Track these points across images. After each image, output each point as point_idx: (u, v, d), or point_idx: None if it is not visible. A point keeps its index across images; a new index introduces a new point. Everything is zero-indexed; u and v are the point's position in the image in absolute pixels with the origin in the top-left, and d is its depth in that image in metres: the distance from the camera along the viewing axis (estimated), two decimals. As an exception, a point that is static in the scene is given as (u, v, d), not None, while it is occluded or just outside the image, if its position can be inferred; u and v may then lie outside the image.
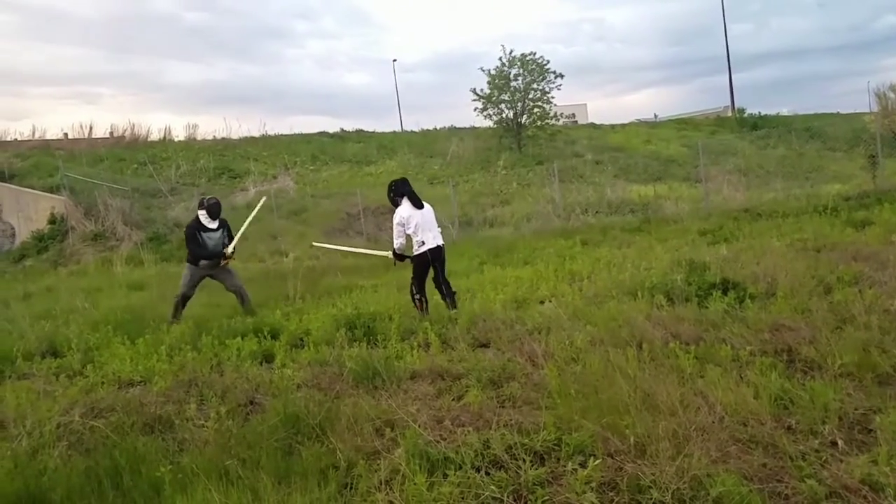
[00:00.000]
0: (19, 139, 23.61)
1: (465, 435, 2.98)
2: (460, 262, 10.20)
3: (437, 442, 2.95)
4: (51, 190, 17.99)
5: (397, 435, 3.11)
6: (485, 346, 4.90)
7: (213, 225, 7.45)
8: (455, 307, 6.09)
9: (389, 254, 6.51)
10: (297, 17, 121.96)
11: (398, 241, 6.24)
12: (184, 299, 7.48)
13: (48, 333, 6.47)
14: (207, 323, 6.44)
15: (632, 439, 2.74)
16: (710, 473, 2.46)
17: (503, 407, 3.43)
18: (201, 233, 7.38)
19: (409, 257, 6.31)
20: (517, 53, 25.72)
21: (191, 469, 2.98)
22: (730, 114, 38.47)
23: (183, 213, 18.27)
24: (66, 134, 25.11)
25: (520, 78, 25.70)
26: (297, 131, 30.27)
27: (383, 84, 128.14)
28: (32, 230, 17.18)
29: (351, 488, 2.76)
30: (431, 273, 6.29)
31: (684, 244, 9.56)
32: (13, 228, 17.88)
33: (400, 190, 6.31)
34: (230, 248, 7.46)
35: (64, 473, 3.08)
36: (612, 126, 35.18)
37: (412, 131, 34.31)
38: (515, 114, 26.13)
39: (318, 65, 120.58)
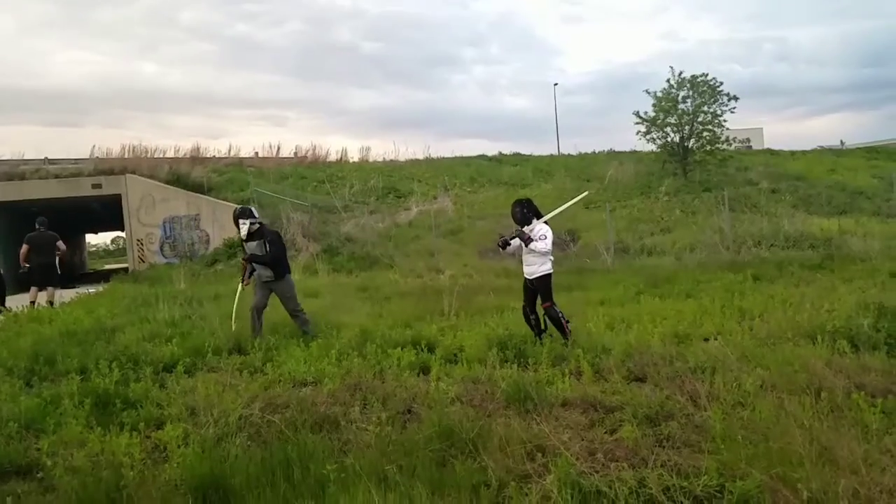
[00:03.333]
0: (217, 156, 26.23)
1: (620, 470, 2.92)
2: (615, 291, 9.90)
3: (590, 474, 2.92)
4: (242, 203, 20.27)
5: (549, 461, 3.12)
6: (640, 380, 4.74)
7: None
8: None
9: (526, 234, 6.18)
10: (467, 44, 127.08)
11: (550, 246, 6.16)
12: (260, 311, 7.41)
13: (235, 332, 7.23)
14: (372, 332, 6.82)
15: (805, 494, 2.52)
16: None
17: (661, 446, 3.30)
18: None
19: (525, 237, 6.15)
20: (687, 74, 24.51)
21: (353, 470, 3.18)
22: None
23: (354, 229, 19.66)
24: (256, 153, 27.85)
25: (689, 100, 24.42)
26: (457, 154, 31.29)
27: (543, 107, 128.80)
28: (224, 238, 19.42)
29: (501, 509, 2.81)
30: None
31: (873, 286, 8.53)
32: (208, 235, 20.36)
33: (533, 208, 6.37)
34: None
35: (244, 462, 3.39)
36: (792, 152, 32.15)
37: (569, 155, 33.98)
38: (682, 137, 24.79)
39: (481, 89, 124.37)
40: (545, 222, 6.31)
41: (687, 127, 24.40)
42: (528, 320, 6.37)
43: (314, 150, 28.88)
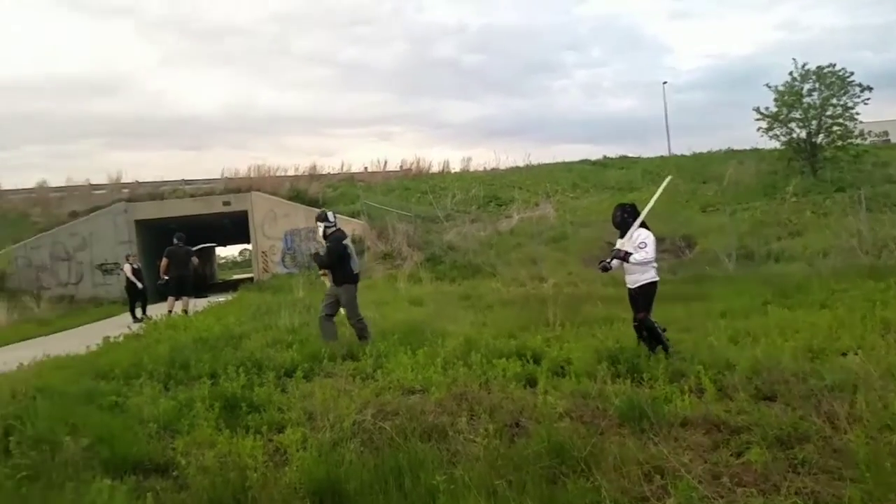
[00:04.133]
0: (331, 173, 27.81)
1: (748, 497, 2.70)
2: (738, 301, 9.24)
3: (714, 499, 2.72)
4: (352, 215, 21.11)
5: (668, 483, 2.94)
6: (770, 399, 4.37)
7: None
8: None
9: (622, 251, 5.96)
10: (566, 48, 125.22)
11: (652, 257, 5.88)
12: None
13: (346, 339, 7.48)
14: (476, 341, 6.80)
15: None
16: None
17: (794, 472, 3.02)
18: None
19: (622, 254, 5.91)
20: (811, 66, 22.63)
21: (462, 481, 3.16)
22: None
23: (456, 238, 19.87)
24: (365, 167, 29.05)
25: (815, 93, 22.51)
26: (559, 160, 30.89)
27: (651, 107, 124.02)
28: (336, 248, 20.35)
29: (618, 531, 2.69)
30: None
31: None
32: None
33: (635, 214, 6.10)
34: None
35: (357, 468, 3.48)
36: (942, 145, 28.80)
37: (682, 155, 32.39)
38: (809, 133, 22.87)
39: (583, 93, 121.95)
40: (646, 227, 6.03)
41: (814, 122, 22.51)
42: (639, 333, 6.10)
43: (418, 162, 29.62)
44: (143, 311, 14.28)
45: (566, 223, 21.01)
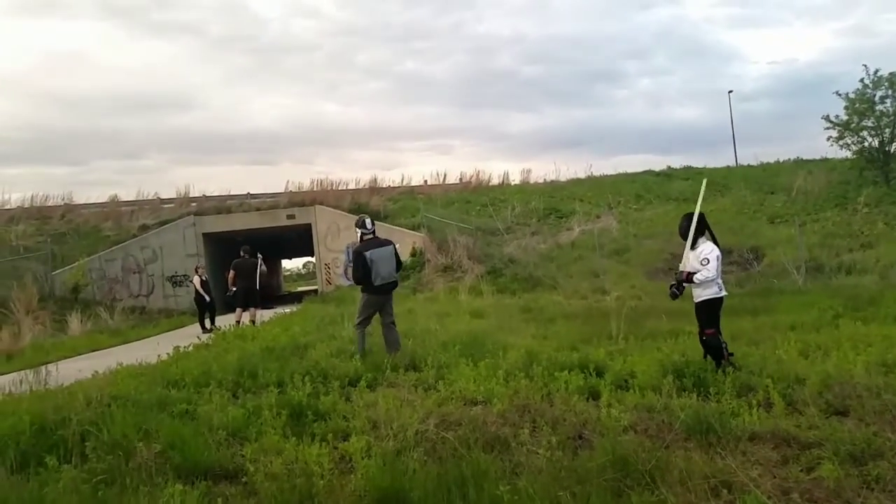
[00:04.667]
0: (391, 186, 28.26)
1: (820, 514, 2.65)
2: (809, 314, 8.92)
3: (784, 515, 2.68)
4: (413, 228, 21.39)
5: (735, 499, 2.92)
6: (842, 414, 4.25)
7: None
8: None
9: (683, 273, 5.88)
10: (629, 57, 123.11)
11: (713, 274, 5.72)
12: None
13: (410, 350, 7.59)
14: (537, 353, 6.81)
15: None
16: None
17: (869, 489, 2.94)
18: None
19: (685, 277, 5.82)
20: (884, 72, 21.60)
21: (526, 493, 3.18)
22: None
23: (516, 250, 19.82)
24: (425, 181, 29.33)
25: (888, 100, 21.47)
26: (621, 171, 30.33)
27: (717, 116, 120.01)
28: (399, 261, 20.65)
29: (684, 544, 2.68)
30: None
31: None
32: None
33: (702, 224, 5.95)
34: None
35: (421, 477, 3.52)
36: None
37: (748, 165, 31.32)
38: (882, 142, 21.79)
39: (646, 102, 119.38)
40: (714, 240, 5.93)
41: (888, 130, 21.47)
42: (706, 348, 5.97)
43: (477, 175, 29.77)
44: (213, 322, 14.85)
45: (629, 235, 20.64)
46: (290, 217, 23.32)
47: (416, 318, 11.51)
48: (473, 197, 26.16)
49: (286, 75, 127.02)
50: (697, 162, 32.69)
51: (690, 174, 29.04)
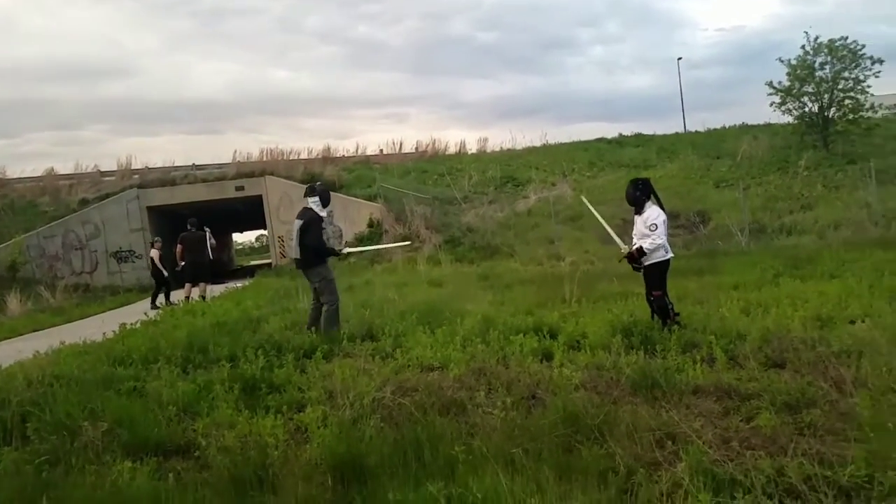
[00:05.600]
0: (346, 155, 27.76)
1: (756, 459, 2.79)
2: (752, 273, 9.28)
3: (724, 462, 2.82)
4: (369, 198, 21.18)
5: (679, 449, 3.04)
6: (779, 366, 4.45)
7: (324, 214, 6.98)
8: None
9: (625, 248, 6.15)
10: (582, 24, 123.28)
11: (662, 240, 5.89)
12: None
13: (367, 320, 7.55)
14: (494, 319, 6.90)
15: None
16: None
17: (801, 434, 3.11)
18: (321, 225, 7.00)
19: (638, 263, 6.03)
20: (824, 39, 22.25)
21: (481, 452, 3.24)
22: None
23: (474, 219, 19.88)
24: (381, 150, 29.04)
25: (827, 66, 22.17)
26: (575, 139, 30.67)
27: (667, 84, 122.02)
28: (355, 232, 20.45)
29: (630, 495, 2.78)
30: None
31: None
32: (341, 231, 21.54)
33: (648, 190, 6.09)
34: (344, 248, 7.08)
35: (377, 442, 3.54)
36: (955, 115, 28.13)
37: (696, 132, 32.03)
38: (821, 107, 22.52)
39: (599, 70, 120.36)
40: (660, 204, 6.08)
41: (826, 95, 22.18)
42: (652, 307, 6.17)
43: (434, 144, 29.60)
44: (167, 298, 14.50)
45: (583, 202, 20.91)
46: (239, 189, 22.80)
47: (374, 289, 11.48)
48: (430, 166, 26.04)
49: (231, 40, 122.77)
50: (648, 129, 33.35)
51: (641, 141, 29.56)
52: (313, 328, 7.17)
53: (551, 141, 30.57)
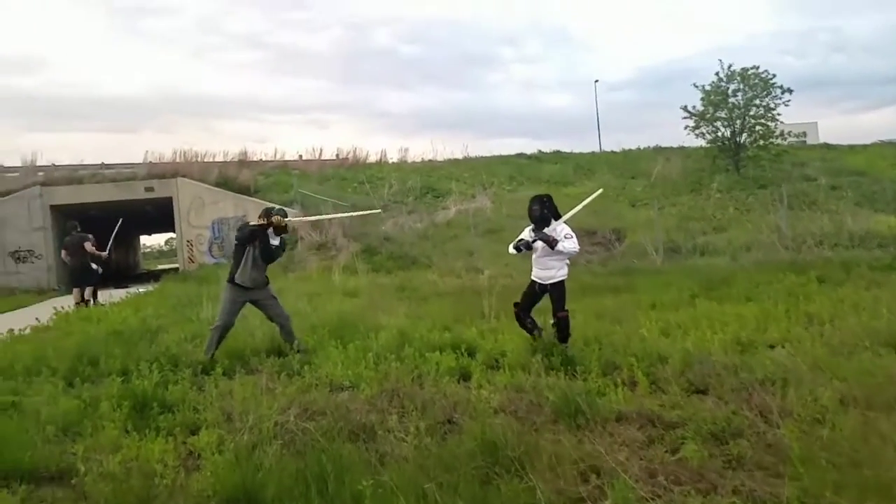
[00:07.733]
0: (263, 160, 26.87)
1: (686, 496, 2.62)
2: (667, 293, 9.43)
3: (651, 499, 2.62)
4: (286, 204, 20.39)
5: (604, 483, 2.84)
6: (702, 392, 4.38)
7: (276, 242, 6.47)
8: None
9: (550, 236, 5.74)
10: (504, 42, 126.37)
11: (577, 247, 5.77)
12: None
13: (274, 334, 7.12)
14: (410, 334, 6.60)
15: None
16: None
17: (731, 468, 2.98)
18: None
19: (550, 239, 5.78)
20: (737, 67, 23.61)
21: (391, 487, 2.97)
22: None
23: (392, 229, 19.58)
24: (300, 156, 28.25)
25: (739, 93, 23.52)
26: (496, 153, 30.99)
27: (584, 105, 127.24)
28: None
29: (552, 535, 2.55)
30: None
31: (957, 288, 7.85)
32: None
33: (552, 207, 5.97)
34: None
35: (277, 472, 3.23)
36: (851, 147, 30.66)
37: (612, 151, 33.16)
38: (733, 132, 23.87)
39: (520, 88, 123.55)
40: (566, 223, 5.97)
41: (738, 121, 23.54)
42: (522, 323, 6.08)
43: (355, 151, 29.17)
44: (94, 297, 13.27)
45: (502, 215, 21.08)
46: (149, 189, 21.67)
47: (286, 299, 10.90)
48: (350, 174, 25.64)
49: (146, 38, 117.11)
50: (566, 147, 34.07)
51: (559, 159, 30.31)
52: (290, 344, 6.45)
53: (472, 154, 30.78)
